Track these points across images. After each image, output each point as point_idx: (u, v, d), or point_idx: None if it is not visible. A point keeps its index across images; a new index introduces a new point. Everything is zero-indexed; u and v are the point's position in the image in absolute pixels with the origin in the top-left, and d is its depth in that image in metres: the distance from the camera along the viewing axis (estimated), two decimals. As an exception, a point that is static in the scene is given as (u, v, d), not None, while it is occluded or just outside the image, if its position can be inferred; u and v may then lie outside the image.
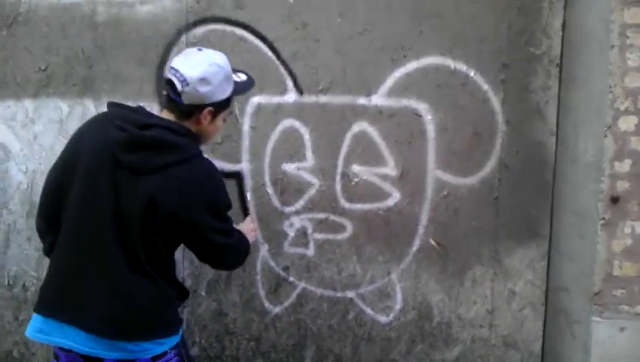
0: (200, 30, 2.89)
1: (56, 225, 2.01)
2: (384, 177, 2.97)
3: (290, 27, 2.89)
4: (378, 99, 2.93)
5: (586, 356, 2.71)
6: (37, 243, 2.98)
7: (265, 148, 2.96)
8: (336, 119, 2.93)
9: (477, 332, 3.08)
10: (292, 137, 2.94)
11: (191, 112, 2.02)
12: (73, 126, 2.91)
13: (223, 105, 2.09)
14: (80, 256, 1.95)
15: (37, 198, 2.91)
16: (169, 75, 2.00)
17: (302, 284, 3.04)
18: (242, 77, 2.23)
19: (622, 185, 2.61)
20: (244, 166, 2.96)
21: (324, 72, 2.91)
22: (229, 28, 2.89)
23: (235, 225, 2.26)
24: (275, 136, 2.95)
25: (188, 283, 3.01)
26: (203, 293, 3.03)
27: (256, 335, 3.06)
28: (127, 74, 2.91)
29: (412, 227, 2.99)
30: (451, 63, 2.91)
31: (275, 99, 2.92)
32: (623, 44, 2.55)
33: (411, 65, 2.92)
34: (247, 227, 2.44)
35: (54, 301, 1.98)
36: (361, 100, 2.92)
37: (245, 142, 2.95)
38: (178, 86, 1.97)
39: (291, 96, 2.92)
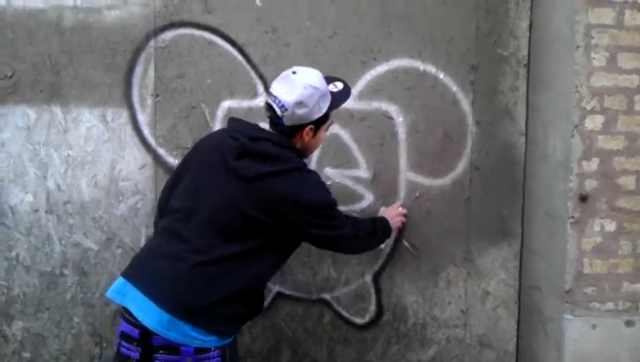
0: (169, 35, 2.86)
1: None
2: (357, 179, 2.98)
3: (259, 31, 2.88)
4: (349, 102, 2.90)
5: (560, 353, 2.73)
6: (6, 252, 2.94)
7: (237, 153, 2.94)
8: (307, 122, 2.93)
9: (452, 332, 3.09)
10: (264, 141, 2.93)
11: (293, 132, 2.21)
12: (41, 133, 2.89)
13: (322, 121, 2.27)
14: (171, 235, 2.15)
15: (6, 206, 2.92)
16: (269, 100, 2.21)
17: (276, 288, 3.03)
18: (339, 85, 2.37)
19: (590, 184, 2.64)
20: (216, 171, 2.94)
21: (294, 75, 2.91)
22: (197, 32, 2.87)
23: (383, 208, 2.81)
24: (247, 140, 2.94)
25: (161, 290, 2.98)
26: (177, 300, 3.00)
27: (231, 340, 3.04)
28: (95, 80, 2.87)
29: (385, 229, 3.00)
30: (421, 65, 2.92)
31: (246, 103, 2.91)
32: (588, 44, 2.58)
33: (381, 68, 2.93)
34: (392, 213, 2.77)
35: (138, 267, 2.17)
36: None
37: (217, 147, 2.93)
38: (278, 111, 2.17)
39: (262, 100, 2.91)
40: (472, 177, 2.99)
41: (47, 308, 2.98)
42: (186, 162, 2.32)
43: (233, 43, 2.88)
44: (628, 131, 2.63)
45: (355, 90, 2.92)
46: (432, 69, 2.92)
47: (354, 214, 2.95)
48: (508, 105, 2.97)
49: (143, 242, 2.96)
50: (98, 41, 2.86)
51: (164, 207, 2.32)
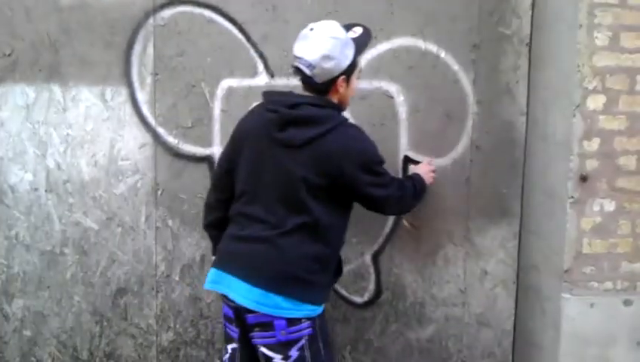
0: (168, 12, 2.83)
1: (226, 200, 2.35)
2: (357, 159, 2.97)
3: (260, 9, 2.86)
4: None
5: (557, 332, 2.75)
6: (6, 231, 2.95)
7: (236, 132, 2.93)
8: (307, 101, 2.91)
9: (450, 311, 3.11)
10: (264, 120, 2.92)
11: (327, 88, 2.23)
12: (40, 112, 2.88)
13: (351, 69, 2.26)
14: (244, 219, 2.25)
15: (6, 186, 2.92)
16: (295, 63, 2.21)
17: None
18: (358, 31, 2.33)
19: (591, 164, 2.65)
20: (216, 150, 2.93)
21: (295, 54, 2.89)
22: (197, 10, 2.84)
23: (412, 165, 2.83)
24: (246, 119, 2.93)
25: (161, 269, 2.99)
26: (177, 278, 3.02)
27: (231, 319, 3.05)
28: (94, 58, 2.85)
29: (385, 208, 3.00)
30: (422, 44, 2.90)
31: (246, 82, 2.89)
32: (590, 23, 2.56)
33: (382, 47, 2.91)
34: (425, 169, 2.77)
35: (223, 255, 2.29)
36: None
37: (216, 126, 2.92)
38: (307, 72, 2.17)
39: (262, 79, 2.90)
40: (473, 157, 2.98)
41: (48, 287, 3.00)
42: (233, 145, 2.34)
43: (233, 21, 2.86)
44: (629, 111, 2.62)
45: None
46: (433, 47, 2.90)
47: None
48: (509, 84, 2.95)
49: (142, 221, 2.97)
50: (97, 19, 2.83)
51: (225, 190, 2.36)
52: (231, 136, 2.37)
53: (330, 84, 2.21)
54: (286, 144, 2.16)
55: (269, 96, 2.32)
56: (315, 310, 2.23)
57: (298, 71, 2.22)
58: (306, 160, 2.15)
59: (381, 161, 2.31)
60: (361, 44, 2.32)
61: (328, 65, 2.16)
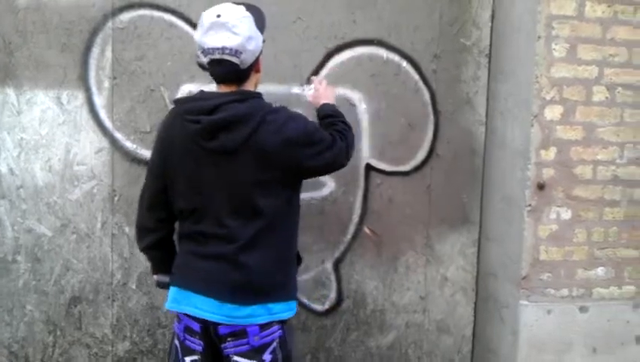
0: (127, 15, 2.78)
1: (165, 219, 2.21)
2: (318, 166, 2.96)
3: (221, 14, 2.83)
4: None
5: (515, 338, 2.79)
6: (-45, 238, 2.85)
7: (197, 138, 2.89)
8: (269, 108, 2.90)
9: (411, 317, 3.13)
10: (225, 126, 2.89)
11: (249, 72, 2.07)
12: (-8, 115, 2.79)
13: (263, 43, 2.12)
14: (199, 236, 2.11)
15: (-45, 191, 2.81)
16: (215, 56, 1.99)
17: (236, 275, 3.01)
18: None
19: (547, 173, 2.70)
20: (176, 156, 2.89)
21: (257, 60, 2.87)
22: (157, 13, 2.79)
23: (311, 94, 2.63)
24: (207, 125, 2.89)
25: (117, 277, 2.92)
26: (134, 286, 2.95)
27: (190, 327, 3.00)
28: (50, 61, 2.77)
29: (346, 216, 3.01)
30: (384, 53, 2.92)
31: (206, 88, 2.84)
32: (548, 35, 2.62)
33: (345, 55, 2.92)
34: (326, 93, 2.57)
35: (185, 273, 2.15)
36: (295, 89, 2.90)
37: (176, 132, 2.88)
38: (234, 60, 1.99)
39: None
40: (433, 165, 3.01)
41: (-1, 296, 2.90)
42: (163, 162, 2.14)
43: (194, 25, 2.82)
44: (586, 122, 2.69)
45: (319, 77, 2.90)
46: (395, 56, 2.93)
47: (314, 202, 2.96)
48: (469, 94, 3.00)
49: (98, 228, 2.89)
50: (53, 21, 2.76)
51: (163, 211, 2.20)
52: (156, 152, 2.16)
53: (252, 66, 2.06)
54: (221, 152, 2.01)
55: (183, 104, 2.12)
56: (291, 307, 2.16)
57: (220, 63, 2.00)
58: (248, 161, 2.01)
59: (315, 128, 2.16)
60: (263, 18, 2.14)
61: (251, 46, 2.00)
